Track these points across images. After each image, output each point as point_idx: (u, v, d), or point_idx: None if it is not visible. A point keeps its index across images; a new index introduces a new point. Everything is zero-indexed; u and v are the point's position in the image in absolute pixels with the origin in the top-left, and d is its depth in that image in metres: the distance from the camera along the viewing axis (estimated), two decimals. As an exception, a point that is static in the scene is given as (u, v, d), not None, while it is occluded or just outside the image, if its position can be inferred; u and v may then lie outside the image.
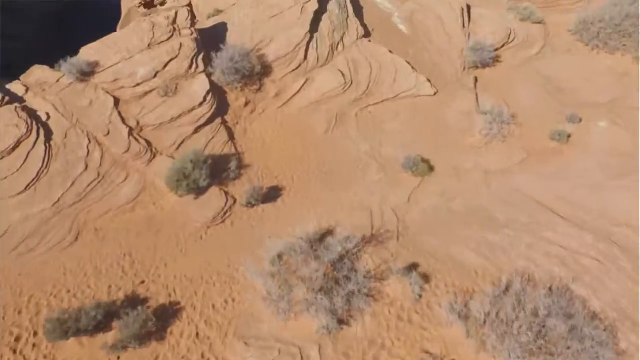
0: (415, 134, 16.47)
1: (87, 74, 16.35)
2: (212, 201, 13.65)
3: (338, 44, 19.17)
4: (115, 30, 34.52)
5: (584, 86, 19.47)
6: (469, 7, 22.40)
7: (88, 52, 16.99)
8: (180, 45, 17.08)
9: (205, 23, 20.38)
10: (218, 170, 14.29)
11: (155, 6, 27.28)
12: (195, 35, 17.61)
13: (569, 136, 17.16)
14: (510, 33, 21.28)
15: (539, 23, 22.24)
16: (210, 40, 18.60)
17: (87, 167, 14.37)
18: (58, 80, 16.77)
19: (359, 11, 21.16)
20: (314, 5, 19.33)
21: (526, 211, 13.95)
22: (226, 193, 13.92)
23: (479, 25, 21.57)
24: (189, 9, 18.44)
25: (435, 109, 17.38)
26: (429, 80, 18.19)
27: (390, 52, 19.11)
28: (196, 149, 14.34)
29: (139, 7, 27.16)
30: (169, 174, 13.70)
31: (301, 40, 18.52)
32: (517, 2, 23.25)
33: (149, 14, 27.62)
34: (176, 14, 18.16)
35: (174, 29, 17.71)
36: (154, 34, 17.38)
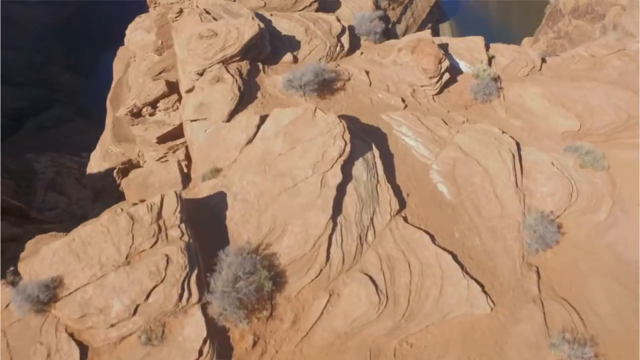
0: (473, 388, 12.74)
1: (45, 302, 12.63)
2: None
3: (367, 231, 15.22)
4: (114, 49, 30.80)
5: (670, 275, 15.76)
6: (518, 147, 18.49)
7: (51, 259, 13.31)
8: (167, 260, 13.23)
9: (199, 188, 16.38)
10: None
11: (143, 116, 23.29)
12: (186, 237, 13.78)
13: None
14: (573, 191, 17.44)
15: (603, 170, 18.43)
16: (205, 227, 14.78)
17: None
18: (7, 306, 13.11)
19: (389, 163, 17.24)
20: (336, 177, 15.39)
21: None
22: None
23: (533, 179, 17.67)
24: (177, 193, 14.51)
25: (492, 338, 13.58)
26: (483, 290, 14.35)
27: (433, 239, 15.23)
28: None
29: (126, 115, 23.16)
30: None
31: (322, 232, 14.60)
32: (574, 138, 19.42)
33: (137, 124, 23.68)
34: (162, 202, 14.24)
35: (159, 228, 13.88)
36: (133, 238, 13.59)
